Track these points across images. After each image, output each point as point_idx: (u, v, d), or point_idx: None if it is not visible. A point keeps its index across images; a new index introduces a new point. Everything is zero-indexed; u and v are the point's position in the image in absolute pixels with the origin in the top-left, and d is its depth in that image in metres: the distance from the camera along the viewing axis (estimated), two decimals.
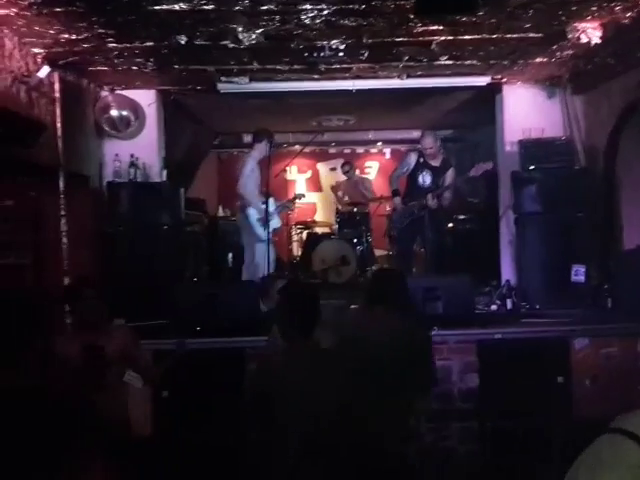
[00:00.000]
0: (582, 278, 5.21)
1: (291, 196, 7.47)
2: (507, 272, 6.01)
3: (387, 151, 10.06)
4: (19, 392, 1.45)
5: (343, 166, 8.86)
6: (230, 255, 7.42)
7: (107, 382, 3.13)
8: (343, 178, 8.99)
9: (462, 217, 7.57)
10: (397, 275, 3.51)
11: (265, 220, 5.70)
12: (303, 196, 7.71)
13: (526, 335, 4.61)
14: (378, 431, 2.70)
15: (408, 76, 5.49)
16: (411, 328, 3.04)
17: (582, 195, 5.48)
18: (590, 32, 4.15)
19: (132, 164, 5.54)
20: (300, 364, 2.49)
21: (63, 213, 4.86)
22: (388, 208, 7.50)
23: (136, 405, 4.38)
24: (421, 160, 5.91)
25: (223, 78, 5.40)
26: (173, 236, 5.57)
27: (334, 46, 4.54)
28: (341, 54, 4.74)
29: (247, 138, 9.40)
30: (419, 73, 5.43)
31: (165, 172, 6.01)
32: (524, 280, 5.68)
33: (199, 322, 4.83)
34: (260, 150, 5.95)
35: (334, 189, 9.21)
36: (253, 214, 5.82)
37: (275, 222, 6.02)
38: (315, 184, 10.40)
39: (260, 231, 5.80)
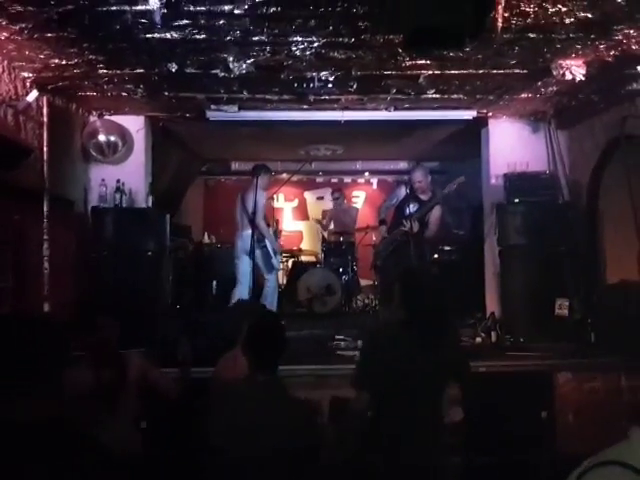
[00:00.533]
0: (566, 312, 5.23)
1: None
2: (492, 304, 6.02)
3: (374, 181, 10.14)
4: (36, 424, 1.43)
5: (333, 193, 8.93)
6: (214, 282, 7.37)
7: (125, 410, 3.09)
8: (330, 207, 9.03)
9: (447, 248, 7.61)
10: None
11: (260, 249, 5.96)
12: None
13: (510, 369, 4.60)
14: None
15: (396, 108, 5.55)
16: None
17: (565, 229, 5.53)
18: (574, 69, 4.23)
19: (118, 189, 5.50)
20: (253, 398, 2.53)
21: (46, 237, 4.80)
22: (374, 238, 7.52)
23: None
24: (410, 193, 5.96)
25: (213, 106, 5.43)
26: (157, 262, 5.51)
27: (323, 77, 4.59)
28: (330, 85, 4.79)
29: (235, 165, 9.48)
30: (406, 106, 5.50)
31: (151, 198, 5.97)
32: (508, 313, 5.69)
33: (180, 350, 4.77)
34: (264, 182, 6.10)
35: (323, 214, 9.26)
36: (269, 245, 6.03)
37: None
38: (302, 213, 10.43)
39: (275, 261, 6.14)
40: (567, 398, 4.48)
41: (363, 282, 8.12)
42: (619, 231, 5.41)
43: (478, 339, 5.28)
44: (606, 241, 5.66)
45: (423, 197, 5.90)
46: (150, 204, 5.93)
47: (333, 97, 5.18)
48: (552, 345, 5.00)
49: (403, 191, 6.02)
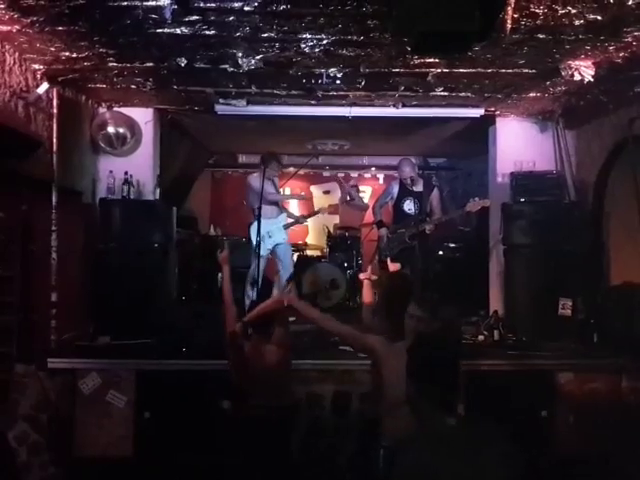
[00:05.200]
0: (569, 312, 5.24)
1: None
2: (495, 303, 6.03)
3: (380, 176, 10.13)
4: None
5: (352, 187, 8.95)
6: (220, 275, 7.40)
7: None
8: (336, 201, 9.03)
9: (452, 245, 7.62)
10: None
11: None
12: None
13: (512, 367, 4.63)
14: None
15: (403, 105, 5.56)
16: None
17: (571, 229, 5.52)
18: (583, 70, 4.23)
19: (126, 181, 5.54)
20: None
21: (54, 228, 4.85)
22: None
23: (117, 425, 4.37)
24: (403, 188, 6.01)
25: (221, 100, 5.45)
26: (164, 254, 5.56)
27: (332, 74, 4.60)
28: (338, 82, 4.80)
29: (242, 158, 9.50)
30: (414, 103, 5.50)
31: (158, 190, 6.01)
32: (512, 311, 5.70)
33: (185, 342, 4.83)
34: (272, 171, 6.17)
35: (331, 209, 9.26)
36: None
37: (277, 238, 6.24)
38: (308, 207, 10.44)
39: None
40: (568, 399, 4.51)
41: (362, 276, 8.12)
42: (624, 232, 5.41)
43: (480, 337, 5.30)
44: (611, 242, 5.66)
45: (417, 189, 6.01)
46: (157, 196, 5.98)
47: (341, 93, 5.18)
48: (554, 345, 5.02)
49: (395, 188, 6.15)
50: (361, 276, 4.13)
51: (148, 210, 5.61)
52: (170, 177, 6.95)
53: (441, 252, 7.30)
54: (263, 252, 5.84)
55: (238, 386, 3.49)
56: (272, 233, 6.14)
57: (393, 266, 4.04)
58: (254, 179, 6.06)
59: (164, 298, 5.55)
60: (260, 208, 5.64)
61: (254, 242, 5.81)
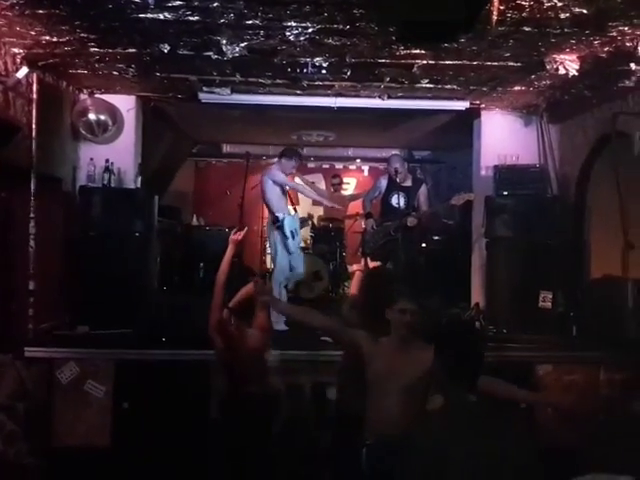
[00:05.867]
0: (549, 304, 5.29)
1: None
2: (477, 295, 6.06)
3: (365, 168, 10.12)
4: None
5: (334, 177, 8.97)
6: (202, 265, 7.36)
7: None
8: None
9: (436, 238, 7.64)
10: None
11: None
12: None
13: (492, 359, 4.64)
14: None
15: (389, 96, 5.53)
16: None
17: (553, 223, 5.56)
18: (568, 64, 4.23)
19: (107, 169, 5.46)
20: None
21: (32, 215, 4.76)
22: (363, 225, 7.54)
23: (95, 415, 4.33)
24: (392, 182, 6.03)
25: (205, 88, 5.38)
26: (144, 244, 5.50)
27: (317, 63, 4.55)
28: (324, 71, 4.75)
29: (226, 148, 9.43)
30: (400, 94, 5.48)
31: (140, 179, 5.94)
32: (493, 303, 5.74)
33: (165, 332, 4.79)
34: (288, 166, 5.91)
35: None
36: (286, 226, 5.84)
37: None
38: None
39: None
40: (547, 390, 4.54)
41: (351, 269, 8.14)
42: (605, 227, 5.45)
43: None
44: (592, 236, 5.70)
45: (405, 184, 6.03)
46: (139, 185, 5.91)
47: (326, 83, 5.15)
48: (534, 337, 5.06)
49: (384, 182, 6.19)
50: (354, 267, 4.13)
51: (129, 198, 5.53)
52: (152, 166, 6.87)
53: (424, 245, 7.30)
54: (293, 249, 5.76)
55: (230, 373, 3.48)
56: (297, 231, 5.94)
57: (372, 265, 4.06)
58: (276, 173, 5.82)
59: (144, 288, 5.49)
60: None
61: (289, 236, 5.69)
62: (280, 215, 5.73)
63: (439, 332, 2.47)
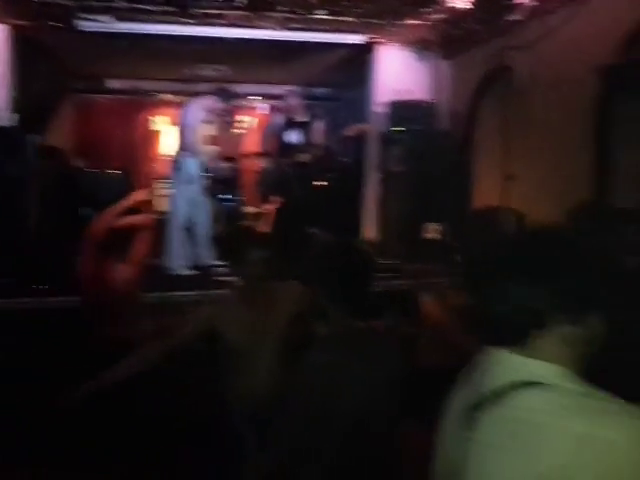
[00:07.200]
0: (437, 235, 5.53)
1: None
2: (370, 230, 6.21)
3: (264, 106, 9.87)
4: None
5: (225, 116, 8.62)
6: (86, 210, 6.92)
7: None
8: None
9: (330, 175, 7.65)
10: None
11: None
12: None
13: (380, 289, 4.78)
14: None
15: (285, 28, 5.37)
16: None
17: (442, 157, 5.71)
18: None
19: None
20: None
21: None
22: (261, 165, 7.42)
23: None
24: (289, 119, 5.94)
25: (83, 15, 4.94)
26: (21, 187, 5.09)
27: None
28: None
29: (110, 83, 8.82)
30: (296, 26, 5.34)
31: (15, 116, 5.45)
32: (385, 237, 5.91)
33: (45, 280, 4.52)
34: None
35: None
36: None
37: None
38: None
39: None
40: (429, 316, 4.76)
41: (249, 210, 8.03)
42: (488, 161, 5.69)
43: None
44: (477, 169, 5.93)
45: (301, 119, 5.95)
46: (14, 123, 5.41)
47: (219, 12, 4.90)
48: (422, 267, 5.25)
49: (280, 118, 6.09)
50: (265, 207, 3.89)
51: (3, 138, 5.07)
52: (29, 102, 6.29)
53: (318, 182, 7.30)
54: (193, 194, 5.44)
55: (92, 314, 3.15)
56: (198, 176, 5.53)
57: (273, 201, 3.91)
58: (195, 109, 5.46)
59: (22, 234, 5.12)
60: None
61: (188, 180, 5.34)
62: (179, 158, 5.45)
63: (321, 254, 2.17)
